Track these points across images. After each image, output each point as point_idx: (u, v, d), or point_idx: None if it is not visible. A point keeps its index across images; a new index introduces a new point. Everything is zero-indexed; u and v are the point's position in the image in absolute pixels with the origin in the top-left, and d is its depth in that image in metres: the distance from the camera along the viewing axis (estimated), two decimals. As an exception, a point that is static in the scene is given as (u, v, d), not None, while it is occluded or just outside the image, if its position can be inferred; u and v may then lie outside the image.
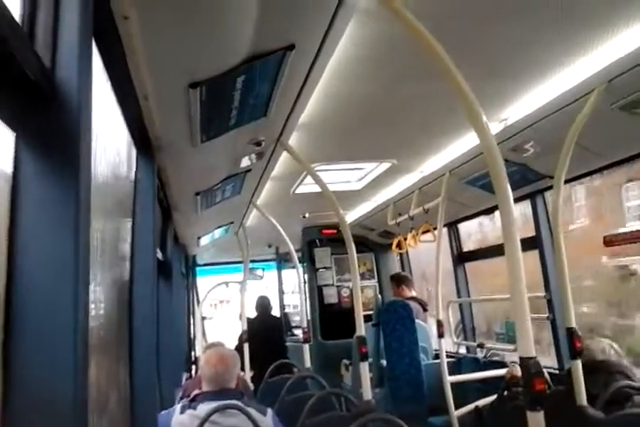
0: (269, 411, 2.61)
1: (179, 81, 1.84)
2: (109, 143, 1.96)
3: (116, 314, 2.23)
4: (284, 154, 3.15)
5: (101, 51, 1.54)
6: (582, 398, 2.54)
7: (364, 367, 3.37)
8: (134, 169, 2.48)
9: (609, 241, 3.59)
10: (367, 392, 3.31)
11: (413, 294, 5.40)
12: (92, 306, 1.75)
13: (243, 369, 5.84)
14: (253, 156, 2.99)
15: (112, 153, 2.05)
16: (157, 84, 1.83)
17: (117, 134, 2.11)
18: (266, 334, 6.02)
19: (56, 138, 1.15)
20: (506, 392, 3.22)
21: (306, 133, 2.90)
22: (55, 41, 1.16)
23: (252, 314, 6.54)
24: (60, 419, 1.05)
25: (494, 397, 3.29)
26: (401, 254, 6.51)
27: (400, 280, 5.49)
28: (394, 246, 5.17)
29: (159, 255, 3.73)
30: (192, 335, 7.57)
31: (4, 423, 1.01)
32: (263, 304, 6.43)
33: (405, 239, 4.79)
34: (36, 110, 1.13)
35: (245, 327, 5.77)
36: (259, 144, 2.75)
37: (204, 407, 2.49)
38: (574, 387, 2.58)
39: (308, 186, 4.13)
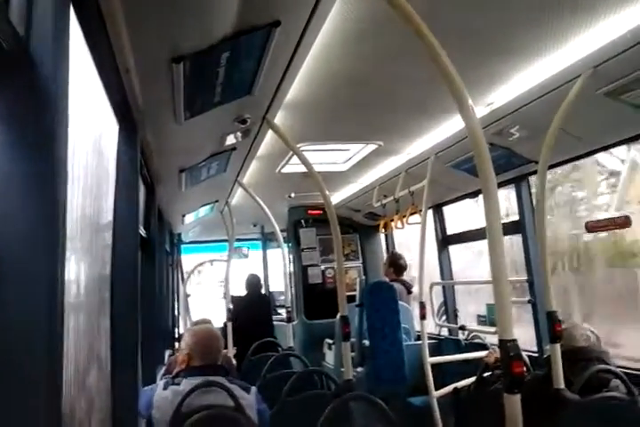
0: (253, 389, 2.63)
1: (161, 55, 1.81)
2: (89, 116, 1.93)
3: (98, 290, 2.23)
4: (270, 133, 3.12)
5: (81, 22, 1.51)
6: (560, 382, 2.58)
7: (347, 347, 3.40)
8: (116, 144, 2.46)
9: (591, 227, 3.62)
10: (348, 372, 3.35)
11: (403, 277, 5.44)
12: (72, 281, 1.75)
13: (226, 347, 5.90)
14: (239, 134, 2.97)
15: (92, 126, 2.03)
16: (139, 57, 1.80)
17: (98, 108, 2.08)
18: (254, 312, 6.03)
19: (30, 108, 1.13)
20: (485, 375, 3.27)
21: (292, 113, 2.88)
22: (30, 9, 1.14)
23: (239, 292, 6.56)
24: (33, 391, 1.06)
25: (473, 379, 3.34)
26: (386, 236, 6.54)
27: (394, 261, 5.53)
28: (380, 228, 5.19)
29: (142, 232, 3.72)
30: (176, 313, 7.59)
31: None
32: (253, 282, 6.42)
33: (392, 221, 4.80)
34: (9, 80, 1.11)
35: (230, 306, 5.79)
36: (244, 122, 2.73)
37: (187, 383, 2.51)
38: (552, 371, 2.62)
39: (294, 166, 4.11)
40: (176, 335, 7.15)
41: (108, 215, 2.43)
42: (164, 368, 4.49)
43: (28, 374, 1.05)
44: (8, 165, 1.10)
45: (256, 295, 6.33)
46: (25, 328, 1.07)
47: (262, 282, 6.91)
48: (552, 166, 3.21)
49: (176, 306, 7.65)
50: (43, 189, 1.12)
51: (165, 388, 2.56)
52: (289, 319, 5.45)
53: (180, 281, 8.05)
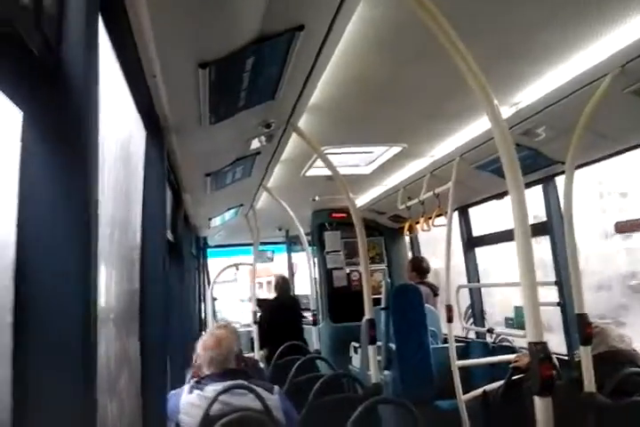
0: (276, 388, 2.64)
1: (188, 61, 1.83)
2: (118, 124, 1.96)
3: (127, 295, 2.26)
4: (294, 136, 3.14)
5: (109, 29, 1.54)
6: (591, 386, 2.54)
7: (373, 350, 3.39)
8: (144, 150, 2.49)
9: (621, 228, 3.57)
10: (375, 375, 3.34)
11: (427, 279, 5.42)
12: (102, 285, 1.77)
13: (252, 350, 5.92)
14: (263, 138, 2.99)
15: (121, 134, 2.06)
16: (166, 63, 1.82)
17: (126, 115, 2.11)
18: (284, 314, 6.04)
19: (62, 115, 1.15)
20: (514, 378, 3.23)
21: (316, 116, 2.89)
22: (61, 17, 1.16)
23: (266, 295, 6.59)
24: (66, 389, 1.08)
25: (502, 382, 3.30)
26: (411, 238, 6.51)
27: (416, 264, 5.51)
28: (405, 230, 5.17)
29: (169, 236, 3.76)
30: (203, 316, 7.64)
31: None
32: (283, 284, 6.45)
33: (417, 223, 4.78)
34: (42, 88, 1.13)
35: (255, 308, 5.82)
36: (268, 126, 2.75)
37: (210, 388, 2.53)
38: (584, 374, 2.58)
39: (317, 169, 4.12)
40: None
41: (137, 220, 2.46)
42: (192, 371, 4.53)
43: (63, 380, 1.08)
44: (41, 175, 1.13)
45: (286, 298, 6.34)
46: (59, 333, 1.09)
47: (290, 284, 6.91)
48: (579, 166, 3.17)
49: (203, 309, 7.71)
50: (75, 197, 1.14)
51: (191, 392, 2.58)
52: (314, 322, 5.45)
53: (207, 284, 8.11)
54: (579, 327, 2.70)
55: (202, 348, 2.70)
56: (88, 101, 1.19)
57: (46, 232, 1.11)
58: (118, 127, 1.97)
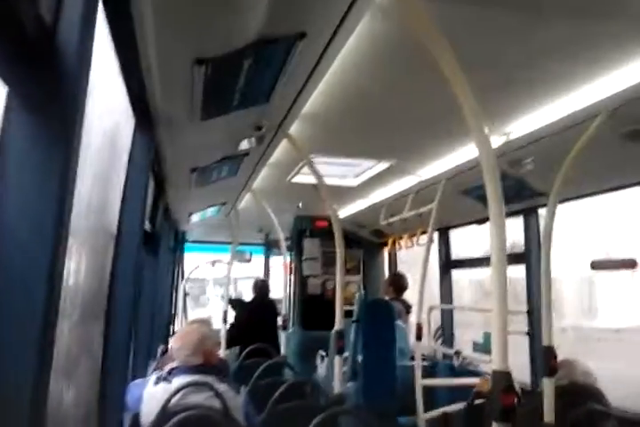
0: (243, 390, 2.64)
1: (185, 56, 1.83)
2: (107, 110, 1.95)
3: (97, 279, 2.24)
4: (284, 142, 3.14)
5: (109, 17, 1.53)
6: (551, 417, 2.56)
7: (339, 361, 3.39)
8: (131, 139, 2.48)
9: (596, 266, 3.60)
10: (339, 385, 3.33)
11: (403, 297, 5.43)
12: (72, 266, 1.76)
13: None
14: (253, 139, 2.98)
15: (109, 120, 2.05)
16: (163, 56, 1.82)
17: (116, 103, 2.10)
18: (261, 316, 6.02)
19: (50, 97, 1.15)
20: (476, 402, 3.24)
21: (307, 123, 2.88)
22: (59, 1, 1.15)
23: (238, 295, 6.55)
24: (20, 372, 1.06)
25: (464, 405, 3.31)
26: (390, 254, 6.52)
27: (395, 280, 5.52)
28: (389, 246, 5.19)
29: (147, 227, 3.74)
30: (173, 310, 7.59)
31: None
32: (262, 287, 6.44)
33: (400, 239, 4.80)
34: (33, 68, 1.13)
35: (226, 308, 5.79)
36: (259, 128, 2.75)
37: (177, 381, 2.51)
38: (544, 404, 2.60)
39: (304, 176, 4.11)
40: (171, 332, 7.15)
41: (115, 206, 2.45)
42: (154, 363, 4.49)
43: (17, 359, 1.06)
44: (21, 153, 1.12)
45: (264, 301, 6.32)
46: (19, 313, 1.08)
47: (270, 288, 6.90)
48: (562, 201, 3.20)
49: (174, 303, 7.66)
50: (53, 176, 1.14)
51: (156, 383, 2.56)
52: (284, 327, 5.43)
53: (181, 279, 8.06)
54: (545, 359, 2.73)
55: (176, 339, 2.74)
56: (78, 84, 1.18)
57: (20, 209, 1.10)
58: (107, 113, 1.96)
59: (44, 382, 1.13)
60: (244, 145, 3.06)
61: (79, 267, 1.90)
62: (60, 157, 1.14)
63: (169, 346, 6.51)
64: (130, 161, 2.46)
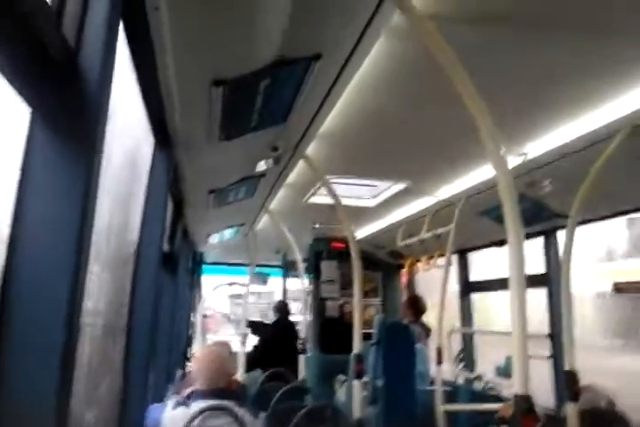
0: (262, 415, 2.62)
1: (203, 77, 1.86)
2: (127, 132, 1.98)
3: (116, 301, 2.25)
4: (301, 163, 3.16)
5: (129, 40, 1.57)
6: None
7: (358, 386, 3.34)
8: (150, 160, 2.51)
9: (619, 288, 3.54)
10: (358, 410, 3.28)
11: (422, 319, 5.37)
12: (93, 292, 1.77)
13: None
14: (270, 161, 3.01)
15: (129, 142, 2.08)
16: (181, 78, 1.85)
17: (137, 125, 2.14)
18: (282, 339, 5.99)
19: (72, 119, 1.17)
20: (499, 427, 3.16)
21: (324, 144, 2.91)
22: (82, 24, 1.19)
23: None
24: (43, 380, 1.07)
25: (486, 430, 3.23)
26: (409, 276, 6.47)
27: (414, 303, 5.47)
28: (407, 267, 5.14)
29: (166, 248, 3.76)
30: (190, 332, 7.58)
31: None
32: (282, 309, 6.42)
33: (418, 261, 4.76)
34: (56, 90, 1.16)
35: (247, 331, 5.78)
36: (276, 149, 2.77)
37: (196, 405, 2.50)
38: None
39: (321, 197, 4.12)
40: (188, 355, 7.12)
41: (135, 228, 2.47)
42: (173, 387, 4.47)
43: (39, 381, 1.07)
44: (43, 174, 1.14)
45: (284, 323, 6.29)
46: (41, 331, 1.09)
47: (290, 310, 6.87)
48: (582, 222, 3.16)
49: (191, 325, 7.65)
50: (74, 196, 1.15)
51: (175, 408, 2.55)
52: (303, 351, 5.38)
53: (198, 300, 8.07)
54: (567, 384, 2.69)
55: (196, 362, 2.71)
56: (99, 106, 1.21)
57: (41, 230, 1.12)
58: (127, 135, 1.99)
59: (65, 392, 1.14)
60: (261, 166, 3.09)
61: (100, 288, 1.91)
62: (81, 176, 1.16)
63: (187, 370, 6.52)
64: (149, 182, 2.49)
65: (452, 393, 4.62)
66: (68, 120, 1.17)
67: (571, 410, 2.59)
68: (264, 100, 2.10)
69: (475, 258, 5.26)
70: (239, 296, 9.64)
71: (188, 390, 2.74)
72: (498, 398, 4.04)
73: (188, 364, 6.82)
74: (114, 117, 1.63)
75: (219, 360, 2.67)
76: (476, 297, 5.23)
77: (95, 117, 1.19)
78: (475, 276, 5.27)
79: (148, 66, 1.74)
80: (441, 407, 3.75)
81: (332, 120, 2.53)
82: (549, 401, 3.84)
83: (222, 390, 2.59)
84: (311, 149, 2.95)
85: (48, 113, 1.16)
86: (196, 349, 7.30)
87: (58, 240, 1.12)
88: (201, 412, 2.43)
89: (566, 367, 2.74)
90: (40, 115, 1.16)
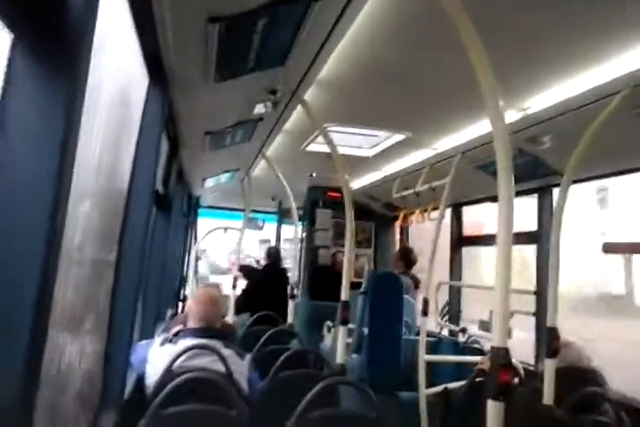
0: (248, 356, 2.68)
1: (199, 12, 1.80)
2: (119, 67, 1.94)
3: (105, 234, 2.25)
4: (299, 109, 3.11)
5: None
6: (550, 398, 2.57)
7: (343, 332, 3.41)
8: (144, 98, 2.46)
9: (608, 249, 3.57)
10: (342, 356, 3.36)
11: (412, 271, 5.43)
12: (82, 228, 1.77)
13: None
14: (268, 104, 2.96)
15: (121, 78, 2.04)
16: (177, 13, 1.79)
17: (130, 60, 2.08)
18: (272, 284, 6.08)
19: (55, 46, 1.14)
20: (477, 380, 3.25)
21: (323, 91, 2.85)
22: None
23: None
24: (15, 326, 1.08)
25: (465, 382, 3.32)
26: (402, 228, 6.51)
27: (405, 254, 5.52)
28: (400, 219, 5.16)
29: (159, 188, 3.75)
30: (185, 274, 7.67)
31: None
32: (274, 255, 6.48)
33: (412, 214, 4.77)
34: (38, 14, 1.12)
35: (237, 273, 5.85)
36: (274, 93, 2.72)
37: (183, 343, 2.55)
38: (545, 385, 2.61)
39: (319, 145, 4.09)
40: (181, 296, 7.23)
41: (127, 167, 2.45)
42: (163, 326, 4.56)
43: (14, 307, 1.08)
44: (28, 98, 1.12)
45: (276, 269, 6.37)
46: (19, 261, 1.09)
47: (281, 255, 6.93)
48: (576, 181, 3.15)
49: (185, 267, 7.74)
50: (57, 124, 1.14)
51: (162, 345, 2.60)
52: (292, 296, 5.47)
53: (193, 243, 8.13)
54: (548, 340, 2.73)
55: (194, 302, 2.75)
56: (84, 31, 1.18)
57: (20, 159, 1.11)
58: (119, 71, 1.94)
59: (43, 321, 1.15)
60: (259, 109, 3.04)
61: (89, 224, 1.91)
62: (64, 105, 1.14)
63: (178, 310, 6.63)
64: (142, 120, 2.44)
65: (436, 345, 4.74)
66: (51, 47, 1.14)
67: (548, 366, 2.64)
68: (261, 41, 2.04)
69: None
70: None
71: (176, 329, 2.80)
72: (480, 352, 4.15)
73: (180, 304, 6.96)
74: (105, 51, 1.59)
75: (215, 301, 2.73)
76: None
77: (79, 44, 1.16)
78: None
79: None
80: (424, 357, 3.84)
81: (331, 66, 2.47)
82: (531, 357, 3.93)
83: (212, 329, 2.65)
84: (310, 95, 2.90)
85: (30, 38, 1.12)
86: (189, 290, 7.42)
87: (38, 170, 1.11)
88: (187, 350, 2.49)
89: (548, 324, 2.79)
90: (22, 40, 1.12)
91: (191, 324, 2.69)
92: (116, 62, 1.83)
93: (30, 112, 1.13)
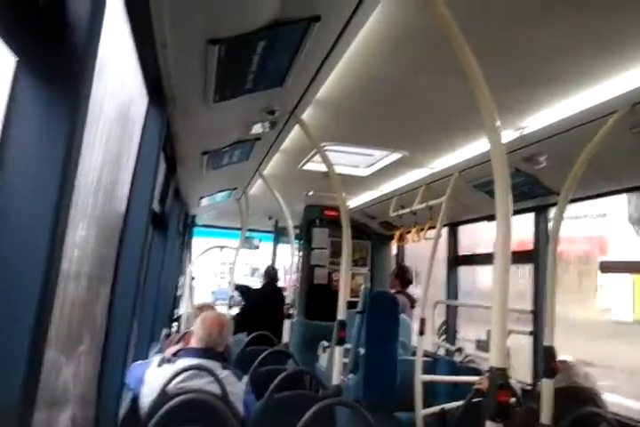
0: (245, 378, 2.65)
1: (199, 34, 1.82)
2: (120, 88, 1.94)
3: (102, 253, 2.24)
4: (296, 128, 3.12)
5: (124, -8, 1.53)
6: (547, 418, 2.54)
7: (339, 352, 3.38)
8: (143, 118, 2.47)
9: (605, 267, 3.56)
10: (338, 376, 3.33)
11: (408, 289, 5.42)
12: (78, 246, 1.76)
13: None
14: (266, 124, 2.97)
15: (122, 97, 2.04)
16: (177, 34, 1.81)
17: (130, 81, 2.09)
18: (269, 304, 6.05)
19: (58, 67, 1.14)
20: (475, 400, 3.22)
21: (320, 110, 2.87)
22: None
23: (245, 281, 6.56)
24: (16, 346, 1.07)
25: (462, 402, 3.29)
26: (398, 247, 6.50)
27: (401, 273, 5.51)
28: (396, 238, 5.16)
29: (156, 207, 3.75)
30: (178, 293, 7.63)
31: None
32: (271, 275, 6.47)
33: (408, 233, 4.77)
34: (42, 38, 1.13)
35: (234, 293, 5.83)
36: (272, 113, 2.73)
37: (182, 363, 2.52)
38: (542, 405, 2.58)
39: (315, 164, 4.10)
40: (174, 316, 7.18)
41: (124, 186, 2.44)
42: (158, 347, 4.52)
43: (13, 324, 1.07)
44: (30, 120, 1.12)
45: (272, 288, 6.34)
46: (18, 279, 1.08)
47: (279, 276, 6.90)
48: (574, 200, 3.16)
49: (180, 286, 7.69)
50: (59, 145, 1.14)
51: (160, 365, 2.58)
52: (288, 316, 5.44)
53: (188, 262, 8.10)
54: (545, 359, 2.72)
55: (203, 322, 2.71)
56: (87, 55, 1.19)
57: (22, 180, 1.11)
58: (119, 91, 1.95)
59: (40, 339, 1.14)
60: (257, 129, 3.05)
61: (87, 242, 1.90)
62: (66, 126, 1.15)
63: (172, 330, 6.57)
64: (141, 140, 2.45)
65: (433, 364, 4.71)
66: (55, 69, 1.14)
67: (546, 386, 2.62)
68: (261, 62, 2.05)
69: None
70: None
71: (174, 349, 2.77)
72: (477, 372, 4.12)
73: (174, 324, 6.90)
74: (106, 72, 1.60)
75: (223, 326, 2.71)
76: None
77: (83, 66, 1.17)
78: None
79: (144, 22, 1.69)
80: (420, 377, 3.81)
81: (329, 86, 2.49)
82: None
83: (209, 350, 2.62)
84: (308, 115, 2.91)
85: (33, 62, 1.13)
86: (183, 309, 7.37)
87: (39, 190, 1.11)
88: (183, 370, 2.47)
89: (545, 343, 2.77)
90: (25, 64, 1.13)
91: (194, 343, 2.67)
92: (115, 82, 1.84)
93: (33, 134, 1.13)
